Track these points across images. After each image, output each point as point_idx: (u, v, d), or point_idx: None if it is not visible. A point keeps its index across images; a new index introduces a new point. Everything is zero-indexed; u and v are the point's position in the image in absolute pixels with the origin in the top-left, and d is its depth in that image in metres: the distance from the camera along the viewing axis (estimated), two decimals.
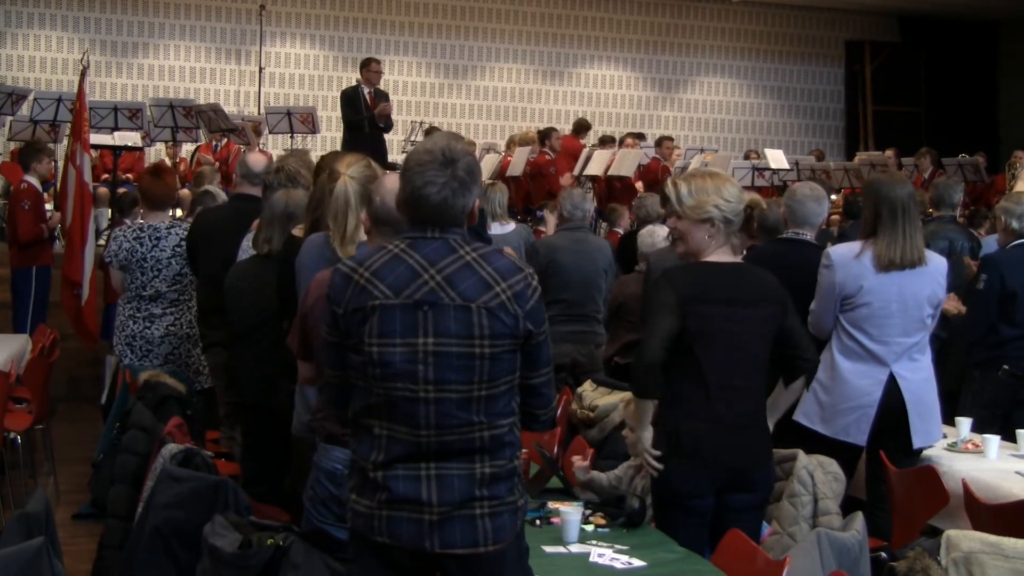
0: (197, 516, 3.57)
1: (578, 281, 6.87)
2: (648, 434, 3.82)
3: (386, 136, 14.60)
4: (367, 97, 11.45)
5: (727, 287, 3.81)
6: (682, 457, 3.78)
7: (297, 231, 4.41)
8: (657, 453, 3.80)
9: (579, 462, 4.34)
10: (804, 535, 3.87)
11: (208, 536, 3.18)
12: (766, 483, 3.94)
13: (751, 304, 3.81)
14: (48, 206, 10.14)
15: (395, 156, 14.79)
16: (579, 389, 5.50)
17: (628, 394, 4.69)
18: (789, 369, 3.96)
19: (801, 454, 4.19)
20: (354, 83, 12.14)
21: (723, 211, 3.81)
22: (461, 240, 2.80)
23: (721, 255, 3.86)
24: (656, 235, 6.30)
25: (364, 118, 11.27)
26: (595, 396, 5.35)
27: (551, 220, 9.23)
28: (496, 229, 7.45)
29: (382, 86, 15.62)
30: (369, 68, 11.61)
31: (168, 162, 12.63)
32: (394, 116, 15.62)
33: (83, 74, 9.02)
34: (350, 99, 11.51)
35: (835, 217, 12.14)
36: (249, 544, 3.11)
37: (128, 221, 8.60)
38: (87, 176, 8.39)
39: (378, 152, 11.54)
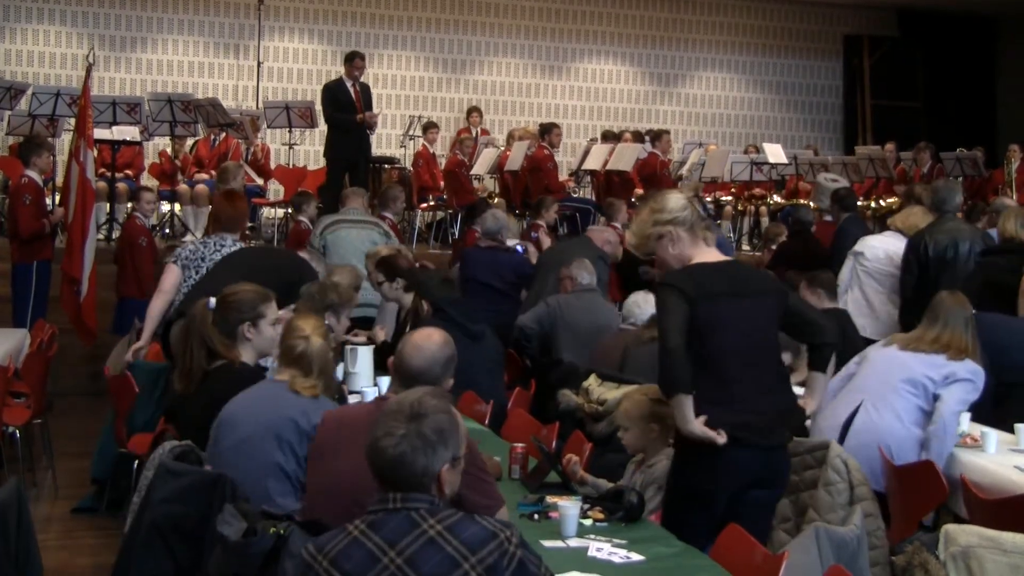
0: (195, 510, 3.57)
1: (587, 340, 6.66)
2: (698, 423, 3.75)
3: (382, 132, 14.65)
4: (352, 91, 11.43)
5: (727, 282, 3.89)
6: (710, 451, 3.78)
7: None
8: (719, 436, 3.74)
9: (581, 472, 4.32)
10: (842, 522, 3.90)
11: (218, 524, 3.21)
12: (783, 480, 4.00)
13: (754, 295, 3.91)
14: (48, 200, 10.12)
15: (393, 151, 14.82)
16: (585, 384, 5.45)
17: (634, 388, 4.68)
18: (812, 347, 4.07)
19: (833, 443, 4.23)
20: (336, 78, 12.14)
21: (662, 223, 3.93)
22: (426, 511, 2.52)
23: (706, 255, 3.96)
24: None
25: (351, 118, 11.26)
26: (602, 390, 5.30)
27: (544, 239, 9.53)
28: None
29: (382, 81, 15.68)
30: (354, 63, 11.59)
31: (170, 153, 12.67)
32: (393, 111, 15.71)
33: (88, 71, 8.99)
34: (333, 93, 11.49)
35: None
36: (254, 532, 3.12)
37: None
38: (90, 172, 8.38)
39: (363, 148, 11.54)
